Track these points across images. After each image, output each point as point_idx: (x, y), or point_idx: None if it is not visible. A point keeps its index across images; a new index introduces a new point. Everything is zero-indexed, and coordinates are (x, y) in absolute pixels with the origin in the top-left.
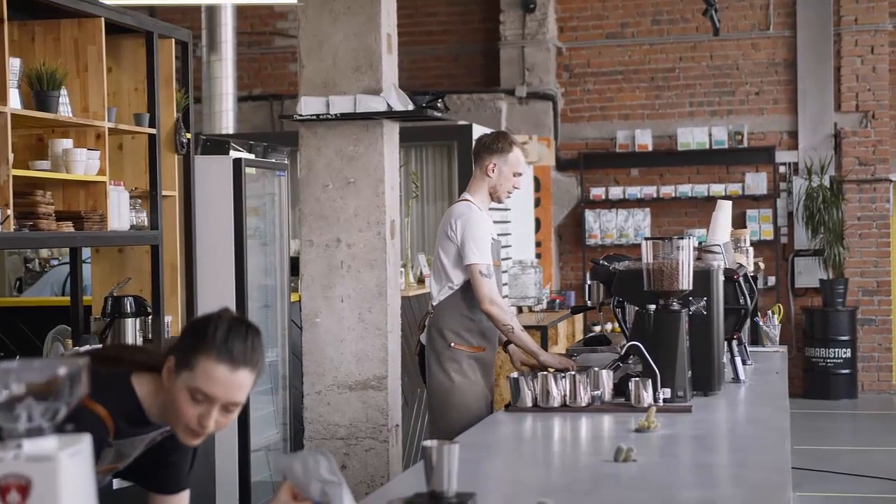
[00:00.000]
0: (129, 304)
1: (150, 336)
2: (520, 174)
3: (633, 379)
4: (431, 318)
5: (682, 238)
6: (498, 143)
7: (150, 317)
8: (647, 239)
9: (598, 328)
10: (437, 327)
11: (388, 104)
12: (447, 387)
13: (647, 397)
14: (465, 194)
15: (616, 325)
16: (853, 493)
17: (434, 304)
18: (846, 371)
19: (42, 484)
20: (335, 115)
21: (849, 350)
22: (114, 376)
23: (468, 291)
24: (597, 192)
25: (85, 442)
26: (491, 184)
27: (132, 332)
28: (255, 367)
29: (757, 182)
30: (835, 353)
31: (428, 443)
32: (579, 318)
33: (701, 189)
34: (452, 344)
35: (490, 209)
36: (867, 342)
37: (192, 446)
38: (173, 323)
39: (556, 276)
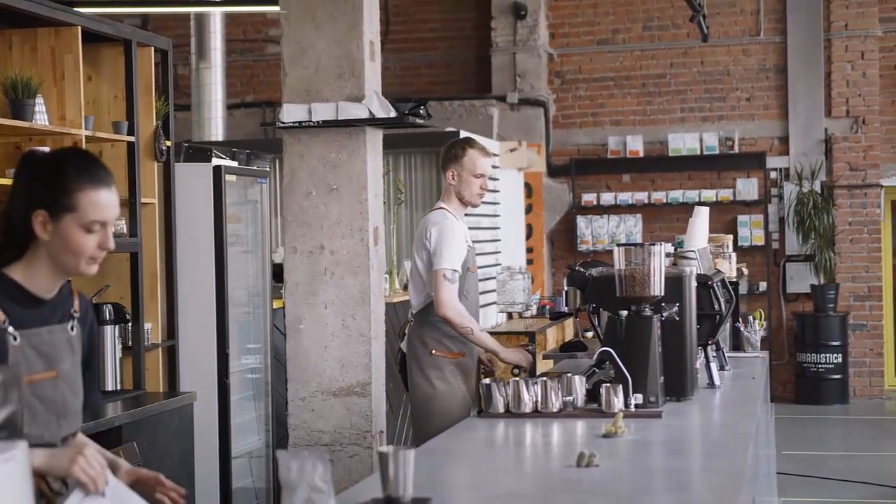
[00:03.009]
0: (108, 312)
1: (129, 343)
2: (482, 175)
3: (604, 385)
4: (411, 326)
5: (654, 244)
6: (452, 150)
7: (129, 324)
8: (619, 245)
9: (590, 334)
10: (417, 335)
11: (370, 111)
12: (430, 394)
13: (618, 403)
14: (440, 202)
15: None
16: (841, 498)
17: (414, 312)
18: (837, 376)
19: None
20: (317, 122)
21: (840, 355)
22: None
23: None
24: (588, 198)
25: (19, 449)
26: (456, 190)
27: (111, 339)
28: (114, 182)
29: (748, 188)
30: (826, 358)
31: (383, 449)
32: (570, 323)
33: (692, 195)
34: (434, 351)
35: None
36: (858, 347)
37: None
38: (153, 330)
39: (549, 282)
